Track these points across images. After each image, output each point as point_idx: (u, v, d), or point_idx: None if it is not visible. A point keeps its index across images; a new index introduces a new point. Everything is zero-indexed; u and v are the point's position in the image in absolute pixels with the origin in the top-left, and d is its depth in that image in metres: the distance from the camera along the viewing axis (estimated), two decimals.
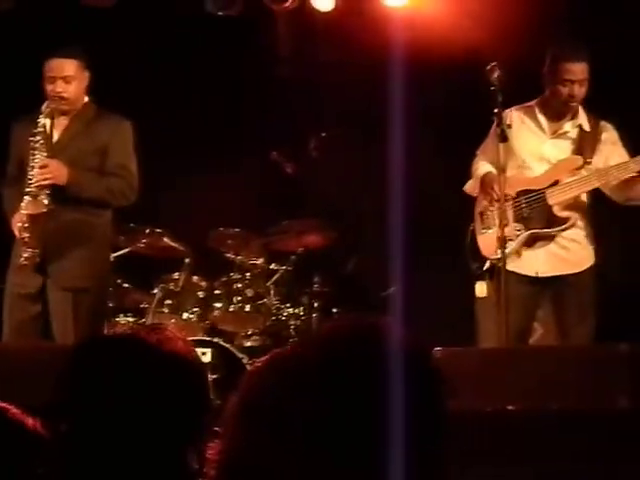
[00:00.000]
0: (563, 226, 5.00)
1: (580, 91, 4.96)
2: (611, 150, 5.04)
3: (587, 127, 5.06)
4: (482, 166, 5.16)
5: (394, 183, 6.03)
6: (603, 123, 5.08)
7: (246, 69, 6.85)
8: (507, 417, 3.75)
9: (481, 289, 5.63)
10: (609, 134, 5.06)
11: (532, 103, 5.17)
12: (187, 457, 1.69)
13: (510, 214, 5.01)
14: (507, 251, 4.94)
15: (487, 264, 5.05)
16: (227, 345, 5.78)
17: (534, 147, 5.11)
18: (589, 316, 4.99)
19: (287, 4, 6.29)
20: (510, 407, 3.76)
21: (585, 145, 5.03)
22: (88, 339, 1.84)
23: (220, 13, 6.37)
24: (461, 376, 3.92)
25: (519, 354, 4.32)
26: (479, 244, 5.11)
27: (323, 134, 6.47)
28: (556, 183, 5.02)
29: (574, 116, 5.08)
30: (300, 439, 1.41)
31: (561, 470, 3.59)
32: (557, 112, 5.08)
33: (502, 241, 4.74)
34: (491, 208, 5.03)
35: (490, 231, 5.03)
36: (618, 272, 5.91)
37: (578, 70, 4.92)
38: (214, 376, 5.60)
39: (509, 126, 4.84)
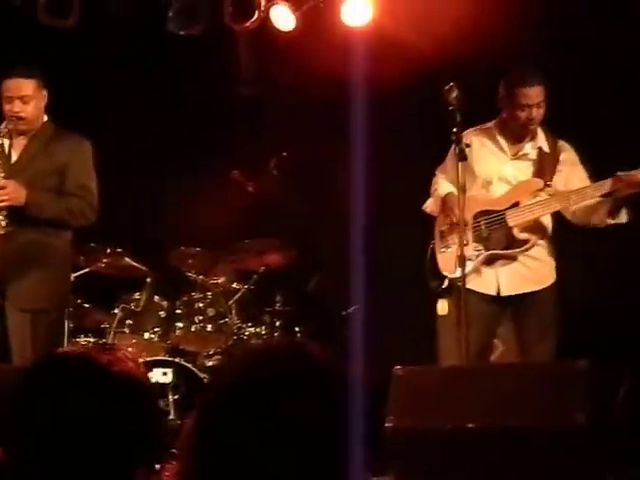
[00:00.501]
0: (523, 247, 5.02)
1: (538, 113, 5.01)
2: (570, 171, 5.09)
3: (546, 148, 5.11)
4: (442, 185, 5.18)
5: (355, 201, 6.05)
6: (561, 143, 5.13)
7: (208, 88, 6.86)
8: (467, 435, 3.75)
9: (442, 307, 5.65)
10: (567, 154, 5.11)
11: (490, 125, 5.21)
12: (139, 479, 1.68)
13: (470, 234, 5.03)
14: (466, 270, 4.97)
15: (446, 282, 5.06)
16: (189, 365, 5.76)
17: (495, 168, 5.14)
18: (550, 334, 5.02)
19: (248, 24, 6.30)
20: (470, 425, 3.76)
21: (545, 166, 5.07)
22: (39, 359, 1.83)
23: (182, 33, 6.37)
24: (421, 394, 3.94)
25: (479, 372, 4.33)
26: (439, 262, 5.13)
27: (284, 153, 6.48)
28: (516, 204, 5.06)
29: (533, 138, 5.12)
30: (254, 459, 1.42)
31: None
32: (516, 134, 5.12)
33: (462, 259, 4.76)
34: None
35: (450, 250, 5.05)
36: (579, 289, 5.95)
37: (534, 94, 4.97)
38: (175, 396, 5.59)
39: (468, 145, 4.86)
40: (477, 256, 5.02)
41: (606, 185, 4.90)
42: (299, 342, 1.53)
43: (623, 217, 4.92)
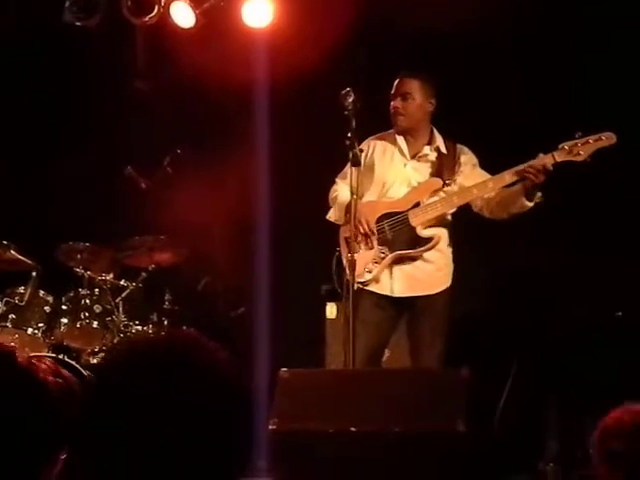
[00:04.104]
0: (427, 245, 5.08)
1: (400, 104, 5.15)
2: (471, 172, 5.19)
3: (445, 150, 5.20)
4: (342, 191, 5.20)
5: (257, 204, 6.05)
6: (460, 146, 5.23)
7: (102, 81, 6.75)
8: (350, 438, 3.77)
9: (331, 311, 5.67)
10: (467, 156, 5.22)
11: (392, 130, 5.28)
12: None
13: (374, 238, 5.07)
14: (374, 273, 5.00)
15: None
16: (72, 362, 5.64)
17: (396, 171, 5.21)
18: (440, 339, 5.07)
19: (147, 18, 6.23)
20: (353, 429, 3.79)
21: (444, 167, 5.17)
22: None
23: (78, 24, 6.25)
24: (306, 397, 3.94)
25: (364, 376, 4.36)
26: (346, 268, 5.10)
27: (178, 151, 6.41)
28: (417, 205, 5.12)
29: (431, 141, 5.22)
30: (125, 458, 1.41)
31: None
32: (413, 135, 5.22)
33: (352, 264, 4.78)
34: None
35: (356, 255, 5.04)
36: (477, 296, 6.07)
37: (400, 84, 5.18)
38: None
39: (361, 151, 4.90)
40: (383, 259, 5.05)
41: (507, 176, 4.99)
42: (183, 337, 1.51)
43: (539, 197, 5.01)
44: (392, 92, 5.19)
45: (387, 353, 5.44)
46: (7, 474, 1.59)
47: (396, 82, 5.20)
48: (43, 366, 1.74)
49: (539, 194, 4.99)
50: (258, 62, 6.12)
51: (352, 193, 4.83)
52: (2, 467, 1.58)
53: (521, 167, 4.92)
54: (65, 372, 1.81)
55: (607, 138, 4.93)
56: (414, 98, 5.16)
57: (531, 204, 4.99)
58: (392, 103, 5.19)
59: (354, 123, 4.79)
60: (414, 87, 5.16)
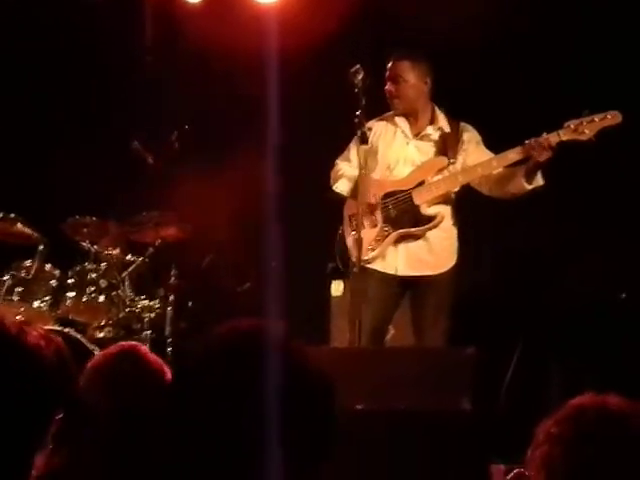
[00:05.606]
0: (430, 224, 5.07)
1: (393, 87, 5.11)
2: (475, 149, 5.17)
3: (448, 129, 5.18)
4: (347, 170, 5.20)
5: (264, 181, 6.03)
6: (463, 124, 5.21)
7: (110, 56, 6.73)
8: (355, 416, 3.78)
9: (337, 288, 5.68)
10: (471, 134, 5.19)
11: (391, 112, 5.26)
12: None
13: (378, 215, 5.07)
14: (376, 252, 5.00)
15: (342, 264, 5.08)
16: (78, 336, 5.65)
17: (398, 150, 5.20)
18: (443, 317, 5.08)
19: None
20: (358, 406, 3.80)
21: (448, 146, 5.14)
22: None
23: None
24: None
25: (368, 354, 4.37)
26: (349, 246, 5.11)
27: (186, 126, 6.38)
28: (422, 183, 5.11)
29: (434, 120, 5.19)
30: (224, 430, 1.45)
31: (405, 468, 3.66)
32: (413, 115, 5.19)
33: (359, 242, 4.79)
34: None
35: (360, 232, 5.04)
36: (488, 274, 6.06)
37: (391, 67, 5.13)
38: None
39: (369, 129, 4.89)
40: (386, 237, 5.05)
41: (511, 155, 4.96)
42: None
43: (540, 180, 4.97)
44: (386, 76, 5.14)
45: (392, 331, 5.45)
46: (1, 438, 1.60)
47: (388, 65, 5.15)
48: (33, 332, 1.74)
49: (540, 179, 4.96)
50: (267, 36, 6.09)
51: (360, 169, 4.83)
52: None
53: (526, 143, 4.90)
54: (55, 337, 1.81)
55: (613, 117, 4.90)
56: (406, 80, 5.12)
57: (530, 187, 4.95)
58: (386, 87, 5.15)
59: (363, 101, 4.77)
60: (405, 69, 5.12)
